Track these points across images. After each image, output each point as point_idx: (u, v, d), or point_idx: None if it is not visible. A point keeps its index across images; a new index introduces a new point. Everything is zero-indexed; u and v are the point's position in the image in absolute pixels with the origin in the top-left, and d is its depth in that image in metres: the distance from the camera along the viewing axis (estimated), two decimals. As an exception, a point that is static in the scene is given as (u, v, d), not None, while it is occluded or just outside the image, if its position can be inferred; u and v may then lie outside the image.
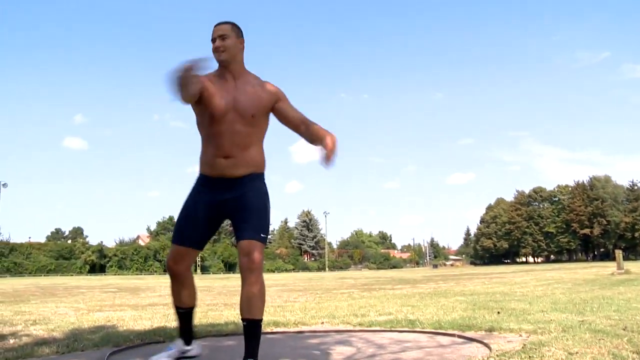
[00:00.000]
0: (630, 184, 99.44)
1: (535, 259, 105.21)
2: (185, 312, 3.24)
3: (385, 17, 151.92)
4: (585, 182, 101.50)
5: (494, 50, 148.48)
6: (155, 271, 77.78)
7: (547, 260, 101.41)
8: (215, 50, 3.04)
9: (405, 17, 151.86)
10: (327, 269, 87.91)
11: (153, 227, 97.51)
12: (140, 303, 9.53)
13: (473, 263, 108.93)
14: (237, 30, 3.10)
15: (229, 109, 2.99)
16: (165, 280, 30.83)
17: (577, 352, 3.01)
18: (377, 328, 4.71)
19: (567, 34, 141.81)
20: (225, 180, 3.02)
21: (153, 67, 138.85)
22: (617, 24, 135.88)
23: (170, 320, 5.79)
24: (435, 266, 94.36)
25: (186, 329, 3.28)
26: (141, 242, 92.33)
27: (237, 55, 3.09)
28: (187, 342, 3.27)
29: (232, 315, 6.21)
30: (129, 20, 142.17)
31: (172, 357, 3.19)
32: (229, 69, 3.08)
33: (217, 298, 10.67)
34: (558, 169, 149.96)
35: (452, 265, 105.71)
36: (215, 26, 3.08)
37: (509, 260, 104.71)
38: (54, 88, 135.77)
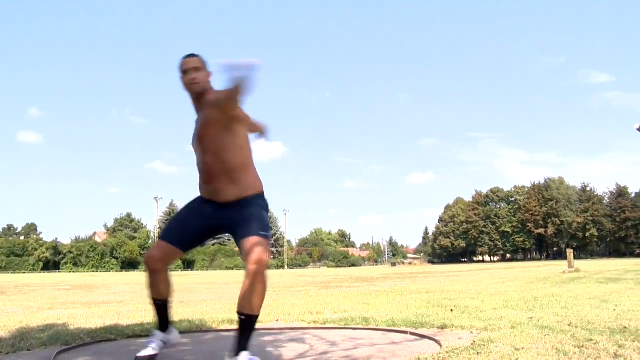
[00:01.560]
0: (583, 185, 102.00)
1: (492, 257, 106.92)
2: (162, 304, 3.34)
3: (349, 16, 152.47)
4: (540, 183, 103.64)
5: (457, 53, 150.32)
6: (112, 268, 76.63)
7: (503, 259, 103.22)
8: (191, 82, 3.10)
9: (370, 17, 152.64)
10: (286, 266, 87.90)
11: (110, 224, 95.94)
12: (94, 301, 9.37)
13: (431, 262, 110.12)
14: (205, 62, 3.19)
15: (195, 143, 3.15)
16: (121, 278, 30.41)
17: (523, 348, 3.07)
18: (332, 325, 4.72)
19: (528, 38, 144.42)
20: (217, 204, 3.13)
21: (111, 60, 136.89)
22: (575, 31, 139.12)
23: (122, 317, 5.71)
24: (393, 264, 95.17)
25: (164, 319, 3.37)
26: (98, 239, 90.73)
27: (208, 86, 3.17)
28: (165, 330, 3.36)
29: (186, 313, 6.15)
30: (87, 10, 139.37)
31: (156, 349, 3.23)
32: (200, 100, 3.15)
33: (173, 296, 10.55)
34: (516, 170, 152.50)
35: (410, 263, 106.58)
36: (185, 59, 3.15)
37: (466, 259, 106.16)
38: (7, 80, 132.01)
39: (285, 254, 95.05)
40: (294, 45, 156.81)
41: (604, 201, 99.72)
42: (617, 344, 3.17)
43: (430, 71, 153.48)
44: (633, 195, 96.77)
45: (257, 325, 4.85)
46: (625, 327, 3.89)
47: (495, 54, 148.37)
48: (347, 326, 4.62)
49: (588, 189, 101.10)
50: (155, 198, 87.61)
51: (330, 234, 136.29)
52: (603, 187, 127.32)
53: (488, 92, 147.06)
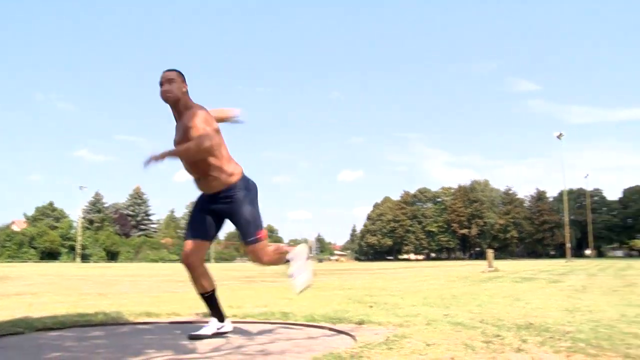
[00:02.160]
0: (506, 188, 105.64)
1: (417, 256, 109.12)
2: (209, 296, 3.81)
3: (286, 11, 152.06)
4: (466, 185, 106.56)
5: (391, 54, 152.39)
6: (30, 258, 73.89)
7: (428, 258, 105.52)
8: (165, 93, 3.58)
9: (306, 14, 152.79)
10: (212, 260, 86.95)
11: (31, 212, 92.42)
12: (6, 292, 9.01)
13: (357, 259, 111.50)
14: (182, 76, 3.67)
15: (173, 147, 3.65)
16: (38, 269, 29.36)
17: (434, 343, 3.16)
18: (251, 320, 4.73)
19: (461, 43, 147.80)
20: (209, 195, 3.75)
21: (37, 42, 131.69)
22: (505, 39, 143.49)
23: (34, 310, 5.53)
24: (320, 261, 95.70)
25: (215, 309, 3.84)
26: (16, 228, 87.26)
27: (181, 97, 3.63)
28: (220, 320, 3.85)
29: (103, 305, 6.02)
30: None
31: (208, 332, 3.73)
32: (176, 109, 3.66)
33: (93, 288, 10.29)
34: (442, 171, 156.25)
35: (337, 260, 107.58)
36: (164, 72, 3.63)
37: (392, 257, 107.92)
38: None
39: (211, 247, 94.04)
40: (228, 39, 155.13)
41: (525, 204, 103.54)
42: (521, 339, 3.32)
43: (364, 71, 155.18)
44: (551, 199, 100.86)
45: (175, 319, 4.86)
46: (531, 323, 4.07)
47: (427, 56, 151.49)
48: (266, 320, 4.64)
49: (510, 192, 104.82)
50: (80, 187, 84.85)
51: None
52: (524, 191, 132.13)
53: (418, 94, 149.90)
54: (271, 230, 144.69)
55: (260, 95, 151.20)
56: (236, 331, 4.07)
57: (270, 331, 4.07)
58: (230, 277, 16.45)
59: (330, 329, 4.08)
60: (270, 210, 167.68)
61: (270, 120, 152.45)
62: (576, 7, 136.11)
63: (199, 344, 3.47)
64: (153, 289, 9.57)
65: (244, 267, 33.35)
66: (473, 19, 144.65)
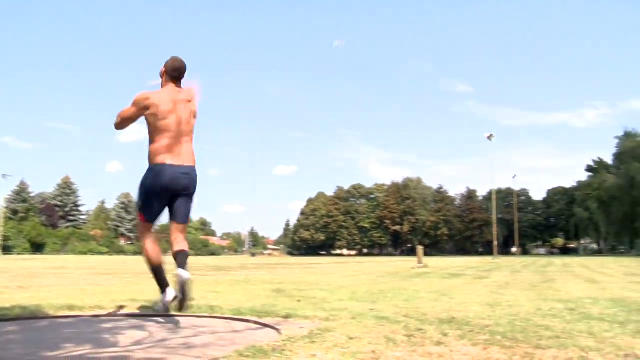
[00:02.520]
0: (438, 186, 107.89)
1: (350, 251, 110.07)
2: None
3: (226, 2, 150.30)
4: (399, 182, 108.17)
5: (329, 51, 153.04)
6: None
7: (360, 254, 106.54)
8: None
9: (248, 6, 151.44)
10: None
11: None
12: None
13: (290, 253, 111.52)
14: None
15: None
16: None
17: (357, 337, 3.20)
18: (176, 313, 4.66)
19: (399, 42, 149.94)
20: None
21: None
22: (442, 39, 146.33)
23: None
24: (253, 255, 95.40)
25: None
26: None
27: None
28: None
29: (23, 298, 5.81)
30: None
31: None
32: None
33: (13, 281, 9.91)
34: (377, 168, 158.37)
35: (270, 254, 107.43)
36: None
37: (325, 252, 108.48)
38: None
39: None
40: (169, 27, 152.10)
41: (456, 202, 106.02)
42: (442, 333, 3.40)
43: (302, 66, 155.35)
44: (480, 198, 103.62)
45: (98, 312, 4.74)
46: (454, 318, 4.18)
47: (365, 54, 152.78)
48: (192, 314, 4.58)
49: (442, 190, 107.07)
50: (3, 175, 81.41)
51: (191, 221, 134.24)
52: (455, 190, 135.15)
53: (355, 91, 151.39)
54: (204, 224, 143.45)
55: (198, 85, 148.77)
56: (160, 324, 4.01)
57: (194, 325, 4.03)
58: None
59: (256, 323, 4.07)
60: (204, 203, 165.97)
61: (207, 112, 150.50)
62: (506, 12, 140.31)
63: (121, 338, 3.40)
64: (78, 282, 9.31)
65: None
66: (410, 19, 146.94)
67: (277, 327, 3.75)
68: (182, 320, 4.24)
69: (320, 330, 3.47)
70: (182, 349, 3.05)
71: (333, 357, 2.66)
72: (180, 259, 4.24)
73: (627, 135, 73.89)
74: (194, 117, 4.56)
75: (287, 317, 4.35)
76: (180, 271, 4.06)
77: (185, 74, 4.61)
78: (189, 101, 4.50)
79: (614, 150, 78.46)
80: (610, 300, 5.91)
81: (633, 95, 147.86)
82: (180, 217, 4.48)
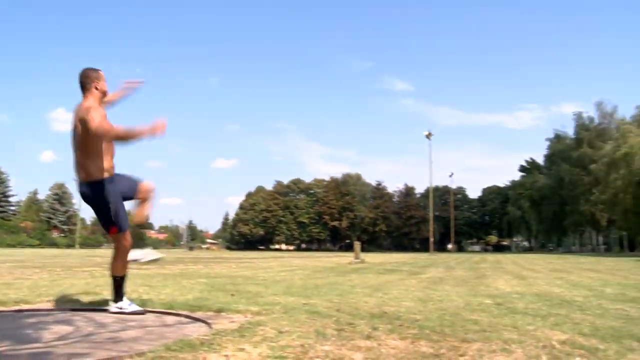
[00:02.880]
0: (377, 183, 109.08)
1: (288, 246, 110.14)
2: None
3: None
4: (339, 178, 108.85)
5: (272, 42, 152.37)
6: None
7: (299, 249, 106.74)
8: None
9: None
10: (77, 246, 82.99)
11: None
12: None
13: (229, 248, 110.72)
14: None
15: None
16: None
17: (287, 331, 3.21)
18: (106, 307, 4.56)
19: (340, 38, 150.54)
20: None
21: None
22: (381, 38, 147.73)
23: None
24: (191, 249, 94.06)
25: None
26: None
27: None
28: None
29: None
30: None
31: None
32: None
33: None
34: (317, 163, 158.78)
35: (208, 248, 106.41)
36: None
37: (263, 247, 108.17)
38: None
39: (77, 232, 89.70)
40: (104, 14, 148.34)
41: (394, 199, 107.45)
42: (372, 327, 3.45)
43: (244, 58, 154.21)
44: (418, 195, 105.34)
45: (24, 307, 4.59)
46: (385, 312, 4.24)
47: (308, 50, 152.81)
48: (122, 308, 4.49)
49: (380, 186, 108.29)
50: None
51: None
52: (394, 186, 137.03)
53: (296, 86, 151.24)
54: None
55: (138, 75, 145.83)
56: (88, 319, 3.92)
57: (124, 319, 3.95)
58: (94, 263, 15.77)
59: (188, 317, 4.03)
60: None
61: (145, 103, 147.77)
62: (448, 13, 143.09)
63: (45, 333, 3.30)
64: (3, 276, 8.99)
65: (109, 254, 32.13)
66: (351, 16, 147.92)
67: (208, 321, 3.72)
68: (112, 315, 4.15)
69: (251, 324, 3.47)
70: (109, 343, 2.99)
71: (261, 351, 2.66)
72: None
73: (558, 138, 76.49)
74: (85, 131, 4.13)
75: (219, 311, 4.33)
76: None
77: (84, 85, 4.28)
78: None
79: (545, 151, 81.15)
80: (535, 295, 6.11)
81: (564, 99, 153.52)
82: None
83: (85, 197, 4.25)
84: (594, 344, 3.03)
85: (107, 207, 4.24)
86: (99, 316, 4.07)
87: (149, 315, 4.15)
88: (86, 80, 4.26)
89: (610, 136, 59.84)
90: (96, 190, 4.19)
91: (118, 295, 4.41)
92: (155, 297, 5.22)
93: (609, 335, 3.30)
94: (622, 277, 10.19)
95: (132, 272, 10.85)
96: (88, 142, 4.14)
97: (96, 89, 4.27)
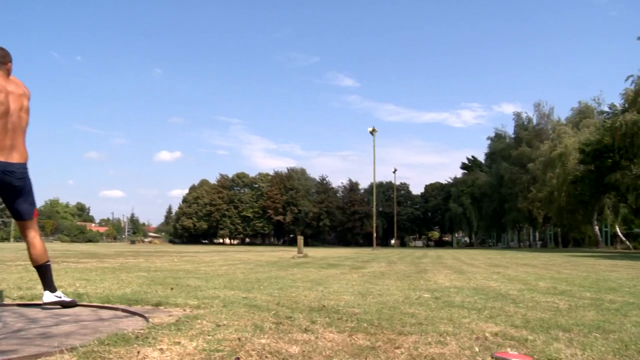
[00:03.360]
0: (320, 177, 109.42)
1: (232, 240, 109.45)
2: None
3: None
4: (283, 172, 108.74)
5: (218, 35, 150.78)
6: None
7: (243, 243, 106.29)
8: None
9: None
10: (12, 239, 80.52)
11: None
12: None
13: (172, 241, 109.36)
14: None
15: None
16: None
17: (224, 324, 3.19)
18: (40, 302, 4.43)
19: (286, 32, 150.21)
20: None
21: None
22: (329, 33, 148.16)
23: None
24: (133, 242, 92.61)
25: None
26: None
27: None
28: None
29: None
30: None
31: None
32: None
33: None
34: (262, 157, 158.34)
35: (150, 242, 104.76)
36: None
37: (207, 241, 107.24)
38: None
39: (12, 225, 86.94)
40: (43, 9, 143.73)
41: (338, 194, 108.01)
42: (311, 321, 3.46)
43: (187, 52, 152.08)
44: (362, 190, 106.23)
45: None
46: (324, 306, 4.26)
47: (252, 44, 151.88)
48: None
49: (325, 181, 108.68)
50: None
51: (67, 206, 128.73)
52: (338, 181, 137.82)
53: (241, 80, 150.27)
54: (82, 209, 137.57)
55: (78, 64, 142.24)
56: (19, 314, 3.80)
57: (57, 314, 3.85)
58: (28, 257, 15.30)
59: (125, 311, 3.95)
60: (82, 188, 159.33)
61: (85, 92, 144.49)
62: (394, 12, 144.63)
63: (-29, 327, 3.18)
64: None
65: (48, 248, 31.24)
66: (296, 13, 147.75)
67: (145, 315, 3.66)
68: (45, 309, 4.04)
69: (189, 317, 3.43)
70: (39, 339, 2.90)
71: (197, 344, 2.63)
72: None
73: (498, 137, 78.41)
74: (27, 113, 4.12)
75: (157, 305, 4.27)
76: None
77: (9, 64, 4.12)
78: (22, 95, 4.09)
79: (486, 150, 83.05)
80: (473, 289, 6.25)
81: (504, 99, 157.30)
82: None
83: (18, 179, 3.99)
84: (524, 334, 3.13)
85: (32, 189, 4.14)
86: (30, 311, 3.96)
87: (85, 310, 4.05)
88: (5, 60, 4.09)
89: (547, 136, 61.69)
90: (26, 171, 4.05)
91: (52, 282, 4.29)
92: (92, 291, 5.10)
93: (538, 326, 3.42)
94: (555, 272, 10.52)
95: (69, 265, 10.64)
96: (27, 121, 4.04)
97: (8, 69, 4.10)
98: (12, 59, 4.12)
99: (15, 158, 3.94)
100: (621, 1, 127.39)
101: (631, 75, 39.17)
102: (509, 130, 76.74)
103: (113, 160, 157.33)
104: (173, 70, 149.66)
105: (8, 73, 4.08)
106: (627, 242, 50.08)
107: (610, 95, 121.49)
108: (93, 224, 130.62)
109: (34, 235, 4.32)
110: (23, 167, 4.02)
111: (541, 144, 59.60)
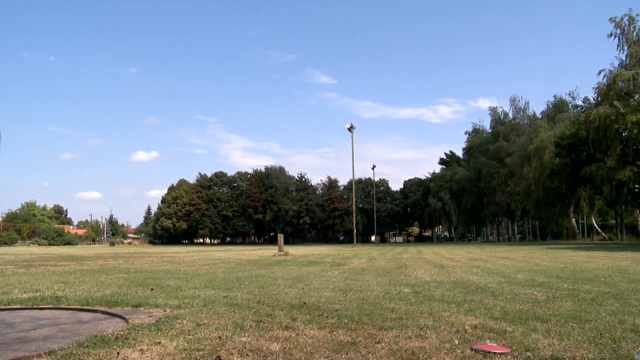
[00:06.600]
0: (299, 175, 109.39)
1: (212, 240, 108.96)
2: None
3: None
4: (262, 171, 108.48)
5: (193, 33, 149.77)
6: None
7: (223, 242, 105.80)
8: None
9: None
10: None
11: None
12: None
13: (152, 242, 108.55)
14: None
15: None
16: None
17: (205, 323, 3.19)
18: (17, 306, 4.39)
19: (261, 30, 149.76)
20: None
21: None
22: (305, 30, 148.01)
23: None
24: (112, 244, 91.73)
25: None
26: None
27: None
28: None
29: None
30: None
31: None
32: None
33: None
34: (240, 156, 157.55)
35: (130, 243, 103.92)
36: None
37: (187, 241, 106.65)
38: None
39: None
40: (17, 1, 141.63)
41: (317, 192, 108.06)
42: (291, 318, 3.47)
43: (163, 50, 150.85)
44: (342, 187, 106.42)
45: None
46: (305, 303, 4.27)
47: (229, 41, 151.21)
48: (34, 306, 4.34)
49: (304, 179, 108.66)
50: None
51: (44, 209, 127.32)
52: (317, 179, 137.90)
53: (217, 78, 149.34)
54: (60, 211, 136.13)
55: (51, 64, 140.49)
56: (-4, 318, 3.76)
57: (35, 317, 3.81)
58: (5, 261, 15.14)
59: (104, 313, 3.93)
60: (59, 190, 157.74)
61: (59, 92, 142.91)
62: (371, 9, 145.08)
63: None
64: None
65: (24, 251, 30.86)
66: (271, 10, 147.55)
67: (125, 316, 3.64)
68: (23, 313, 4.00)
69: (169, 318, 3.42)
70: (17, 343, 2.88)
71: (178, 344, 2.63)
72: None
73: (476, 131, 78.92)
74: None
75: (137, 306, 4.25)
76: None
77: None
78: None
79: (464, 144, 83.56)
80: (452, 283, 6.31)
81: (480, 94, 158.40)
82: None
83: None
84: (503, 326, 3.17)
85: None
86: (5, 316, 3.91)
87: (64, 313, 4.02)
88: None
89: (523, 130, 62.28)
90: None
91: None
92: (71, 294, 5.06)
93: (517, 318, 3.46)
94: (533, 264, 10.64)
95: (47, 269, 10.53)
96: None
97: None
98: None
99: None
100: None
101: (603, 70, 39.59)
102: (486, 125, 77.33)
103: (89, 161, 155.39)
104: (148, 69, 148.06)
105: None
106: (603, 234, 50.78)
107: (584, 90, 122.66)
108: (71, 227, 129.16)
109: None
110: None
111: (518, 138, 60.19)
